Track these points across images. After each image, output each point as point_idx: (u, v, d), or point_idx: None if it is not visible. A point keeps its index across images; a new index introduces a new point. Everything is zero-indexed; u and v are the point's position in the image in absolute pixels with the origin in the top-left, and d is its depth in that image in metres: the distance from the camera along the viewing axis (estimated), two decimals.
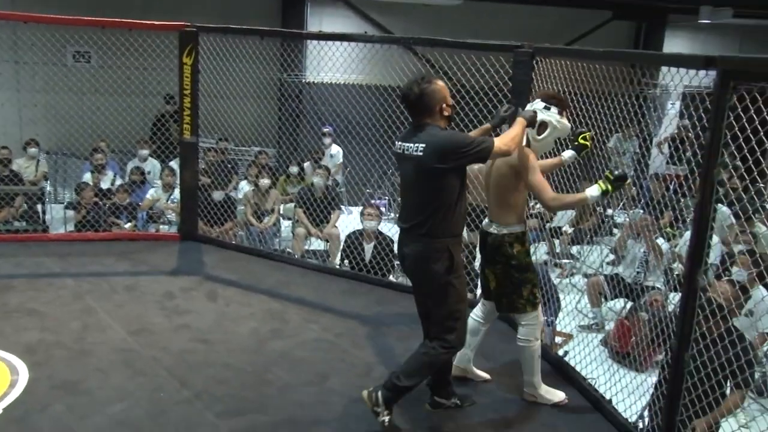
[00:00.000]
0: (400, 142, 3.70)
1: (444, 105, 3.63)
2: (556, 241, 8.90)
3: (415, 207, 3.66)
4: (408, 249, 3.71)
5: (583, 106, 4.60)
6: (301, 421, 3.81)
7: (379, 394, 3.64)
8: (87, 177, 9.42)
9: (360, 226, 7.21)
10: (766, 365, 6.37)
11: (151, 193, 8.61)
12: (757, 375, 6.20)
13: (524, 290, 3.97)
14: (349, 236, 7.20)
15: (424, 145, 3.54)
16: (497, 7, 12.67)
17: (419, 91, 3.58)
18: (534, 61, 4.80)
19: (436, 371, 3.88)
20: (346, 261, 7.06)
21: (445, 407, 3.98)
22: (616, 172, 3.90)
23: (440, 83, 3.65)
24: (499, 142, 3.62)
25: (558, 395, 4.13)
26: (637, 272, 7.34)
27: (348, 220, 9.13)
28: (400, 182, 3.87)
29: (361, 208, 7.51)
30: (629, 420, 3.98)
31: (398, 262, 3.96)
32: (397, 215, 3.91)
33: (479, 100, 5.48)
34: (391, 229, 7.72)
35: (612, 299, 7.51)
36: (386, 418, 3.63)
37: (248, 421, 3.78)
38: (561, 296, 6.80)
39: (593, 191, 3.88)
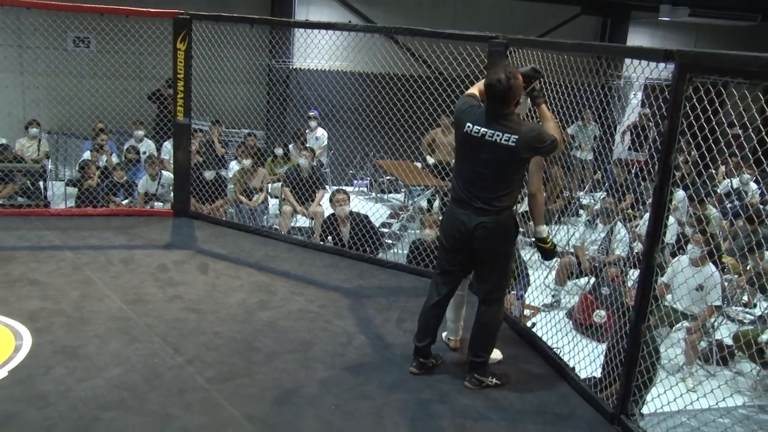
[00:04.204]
0: (477, 126, 3.67)
1: (518, 99, 3.73)
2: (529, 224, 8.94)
3: (492, 187, 3.70)
4: (483, 222, 3.71)
5: (553, 95, 4.61)
6: (285, 386, 3.83)
7: (476, 376, 3.92)
8: (86, 155, 9.32)
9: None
10: (712, 335, 6.48)
11: (141, 184, 8.51)
12: (704, 344, 6.33)
13: (512, 263, 4.09)
14: (325, 221, 7.16)
15: (516, 137, 3.60)
16: (474, 0, 12.65)
17: (508, 84, 3.60)
18: (508, 51, 4.80)
19: (432, 335, 4.02)
20: (329, 238, 7.05)
21: (427, 367, 4.05)
22: (552, 244, 4.14)
23: (520, 78, 3.71)
24: (558, 137, 3.77)
25: (498, 353, 4.23)
26: (599, 253, 7.41)
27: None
28: (468, 162, 3.76)
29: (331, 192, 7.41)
30: (590, 386, 4.04)
31: (456, 235, 3.82)
32: (459, 193, 3.80)
33: (456, 87, 5.47)
34: (371, 207, 7.74)
35: (578, 276, 7.59)
36: (496, 381, 3.95)
37: (236, 386, 3.79)
38: (530, 272, 6.85)
39: (542, 230, 4.14)
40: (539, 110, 3.90)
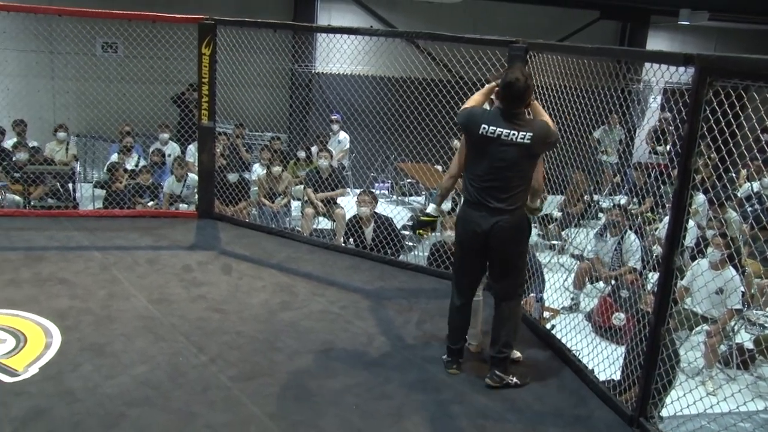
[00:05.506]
0: (492, 127, 3.68)
1: (530, 99, 3.81)
2: (550, 226, 8.89)
3: (510, 187, 3.73)
4: (501, 222, 3.75)
5: (571, 99, 4.59)
6: (307, 385, 3.84)
7: (497, 373, 3.91)
8: (114, 158, 9.42)
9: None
10: (732, 339, 6.40)
11: (167, 184, 8.60)
12: (724, 347, 6.25)
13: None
14: (349, 221, 7.20)
15: (531, 134, 3.65)
16: (494, 5, 12.60)
17: (526, 83, 3.67)
18: (528, 56, 4.78)
19: (464, 336, 4.09)
20: (351, 239, 7.06)
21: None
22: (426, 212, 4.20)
23: (532, 79, 3.83)
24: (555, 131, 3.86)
25: (517, 354, 4.24)
26: (612, 261, 7.33)
27: (353, 202, 9.16)
28: (483, 163, 3.75)
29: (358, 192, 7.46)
30: (608, 388, 4.01)
31: (468, 235, 3.85)
32: (473, 195, 3.80)
33: (476, 91, 5.44)
34: (393, 210, 7.74)
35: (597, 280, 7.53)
36: (517, 380, 3.94)
37: (259, 385, 3.81)
38: (550, 274, 6.80)
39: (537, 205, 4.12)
40: (532, 107, 3.92)
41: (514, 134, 3.65)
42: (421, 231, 4.22)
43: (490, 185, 3.75)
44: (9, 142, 9.31)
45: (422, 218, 4.21)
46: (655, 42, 14.02)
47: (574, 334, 4.65)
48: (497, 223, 3.74)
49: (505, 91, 3.69)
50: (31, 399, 3.52)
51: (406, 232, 8.67)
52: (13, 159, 8.66)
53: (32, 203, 8.25)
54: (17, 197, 8.18)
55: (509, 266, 3.89)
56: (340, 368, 4.05)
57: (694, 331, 6.37)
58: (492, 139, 3.69)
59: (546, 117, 3.91)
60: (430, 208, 4.24)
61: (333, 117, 10.61)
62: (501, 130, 3.67)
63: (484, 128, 3.70)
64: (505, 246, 3.82)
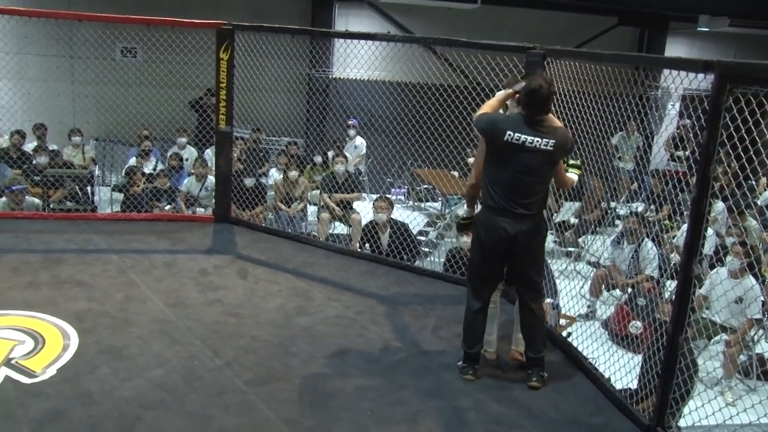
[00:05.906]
0: (517, 134, 3.72)
1: (550, 106, 3.86)
2: (567, 233, 8.85)
3: (532, 192, 3.80)
4: (523, 227, 3.81)
5: (589, 105, 4.58)
6: (321, 390, 3.84)
7: (541, 373, 3.99)
8: (132, 162, 9.50)
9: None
10: (752, 349, 6.33)
11: (185, 184, 8.67)
12: (743, 357, 6.18)
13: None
14: (366, 227, 7.21)
15: (554, 142, 3.71)
16: (511, 11, 12.60)
17: (548, 90, 3.73)
18: (545, 62, 4.77)
19: (481, 341, 4.10)
20: (367, 245, 7.07)
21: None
22: (462, 216, 4.32)
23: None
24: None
25: None
26: (629, 268, 7.29)
27: (369, 207, 9.17)
28: (507, 169, 3.78)
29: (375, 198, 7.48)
30: (625, 396, 3.97)
31: (491, 242, 3.89)
32: (496, 200, 3.82)
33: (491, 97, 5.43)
34: (408, 216, 7.74)
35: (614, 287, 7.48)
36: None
37: (273, 389, 3.81)
38: (566, 281, 6.76)
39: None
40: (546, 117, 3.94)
41: (537, 141, 3.70)
42: (465, 232, 4.35)
43: (514, 192, 3.79)
44: (29, 146, 9.43)
45: (461, 222, 4.32)
46: (674, 48, 13.94)
47: (591, 342, 4.62)
48: (522, 229, 3.80)
49: (529, 98, 3.73)
50: (48, 400, 3.55)
51: (422, 238, 8.67)
52: (33, 162, 8.76)
53: (51, 206, 8.33)
54: (37, 200, 8.27)
55: (531, 267, 3.95)
56: (355, 373, 4.04)
57: (712, 340, 6.31)
58: (517, 146, 3.72)
59: (560, 124, 3.95)
60: (464, 212, 4.34)
61: (350, 122, 10.65)
62: (525, 137, 3.71)
63: (509, 135, 3.72)
64: (525, 250, 3.88)
